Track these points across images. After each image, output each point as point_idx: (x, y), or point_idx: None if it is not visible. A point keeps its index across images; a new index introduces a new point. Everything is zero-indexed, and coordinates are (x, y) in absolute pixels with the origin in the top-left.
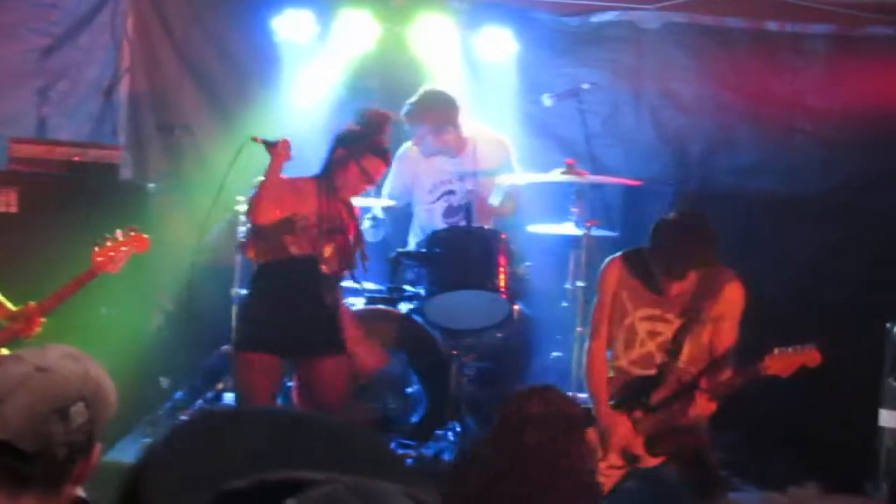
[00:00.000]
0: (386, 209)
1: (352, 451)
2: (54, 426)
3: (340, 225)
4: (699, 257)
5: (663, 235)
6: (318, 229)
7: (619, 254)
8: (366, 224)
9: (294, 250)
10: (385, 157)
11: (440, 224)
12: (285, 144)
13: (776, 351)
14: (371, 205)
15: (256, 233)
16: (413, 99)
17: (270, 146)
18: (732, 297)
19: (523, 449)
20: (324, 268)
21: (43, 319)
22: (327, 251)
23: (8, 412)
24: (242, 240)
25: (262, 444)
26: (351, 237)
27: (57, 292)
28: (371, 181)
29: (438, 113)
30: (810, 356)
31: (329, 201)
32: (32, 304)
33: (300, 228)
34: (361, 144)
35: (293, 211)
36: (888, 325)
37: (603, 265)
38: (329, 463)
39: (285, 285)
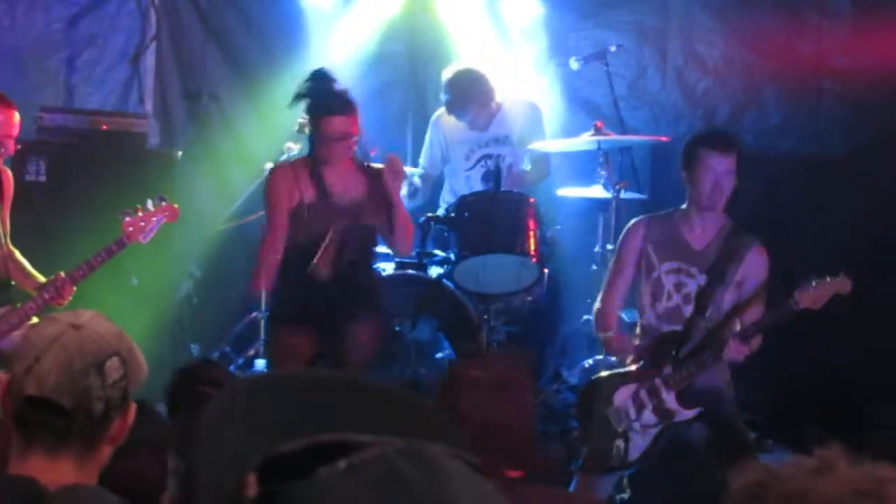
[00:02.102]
0: (423, 176)
1: (396, 413)
2: (92, 380)
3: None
4: (734, 138)
5: (697, 134)
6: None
7: (642, 217)
8: (402, 192)
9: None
10: (336, 110)
11: (479, 189)
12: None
13: (805, 284)
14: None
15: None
16: (448, 91)
17: None
18: (755, 263)
19: (457, 413)
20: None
21: (73, 289)
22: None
23: (45, 369)
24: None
25: (305, 406)
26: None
27: (87, 262)
28: (336, 141)
29: (478, 94)
30: (841, 284)
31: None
32: (62, 273)
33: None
34: (314, 109)
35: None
36: None
37: (626, 227)
38: (375, 424)
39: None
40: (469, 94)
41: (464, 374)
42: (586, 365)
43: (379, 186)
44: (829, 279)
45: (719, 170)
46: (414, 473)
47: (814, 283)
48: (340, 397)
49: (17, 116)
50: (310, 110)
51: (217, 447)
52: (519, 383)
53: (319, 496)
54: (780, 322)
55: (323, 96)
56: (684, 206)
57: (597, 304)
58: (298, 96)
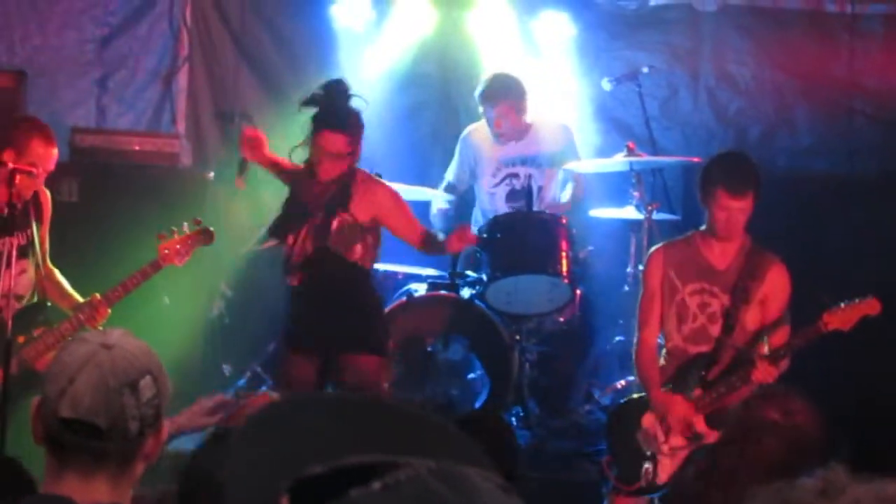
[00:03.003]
0: (449, 197)
1: (425, 435)
2: (126, 399)
3: (332, 207)
4: (753, 174)
5: (715, 164)
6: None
7: (658, 245)
8: (435, 221)
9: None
10: (338, 126)
11: (503, 208)
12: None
13: (834, 306)
14: (430, 199)
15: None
16: (488, 81)
17: None
18: (777, 280)
19: (751, 454)
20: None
21: (108, 310)
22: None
23: (79, 390)
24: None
25: (335, 429)
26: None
27: (123, 283)
28: (332, 156)
29: (513, 92)
30: (870, 305)
31: (312, 186)
32: (98, 295)
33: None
34: (317, 120)
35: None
36: None
37: (646, 258)
38: (404, 447)
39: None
40: (505, 88)
41: (765, 415)
42: (618, 385)
43: (374, 204)
44: (857, 301)
45: (733, 207)
46: (448, 494)
47: (843, 305)
48: (370, 420)
49: (55, 152)
50: (313, 119)
51: (249, 468)
52: (816, 438)
53: None
54: (809, 343)
55: (329, 109)
56: (703, 227)
57: (635, 340)
58: (309, 102)
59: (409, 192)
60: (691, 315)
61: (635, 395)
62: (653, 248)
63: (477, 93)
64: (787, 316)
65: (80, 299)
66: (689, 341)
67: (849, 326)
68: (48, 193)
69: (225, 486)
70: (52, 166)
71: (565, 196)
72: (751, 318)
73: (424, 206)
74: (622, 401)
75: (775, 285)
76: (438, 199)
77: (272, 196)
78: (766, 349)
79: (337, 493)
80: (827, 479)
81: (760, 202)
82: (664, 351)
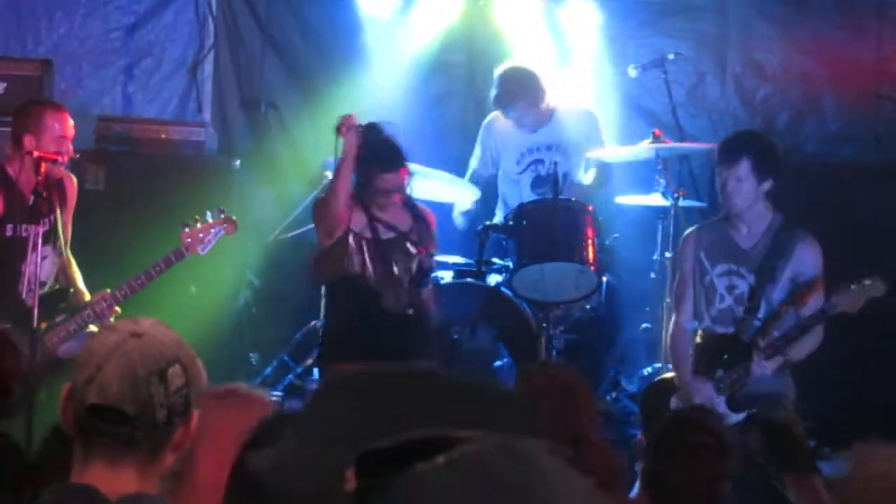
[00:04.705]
0: (474, 197)
1: (493, 408)
2: (154, 388)
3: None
4: (746, 142)
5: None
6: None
7: (693, 227)
8: (458, 220)
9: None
10: (390, 166)
11: (528, 195)
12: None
13: (840, 289)
14: (455, 200)
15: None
16: (498, 84)
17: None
18: (806, 254)
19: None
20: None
21: (116, 309)
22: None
23: (107, 377)
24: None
25: (401, 402)
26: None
27: (146, 271)
28: (389, 194)
29: (528, 90)
30: (875, 286)
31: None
32: (108, 291)
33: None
34: (368, 167)
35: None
36: None
37: (681, 240)
38: (472, 420)
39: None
40: (518, 89)
41: (532, 381)
42: (645, 373)
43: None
44: (863, 282)
45: (724, 176)
46: (513, 470)
47: (852, 287)
48: (436, 393)
49: (70, 120)
50: (365, 162)
51: (315, 441)
52: (584, 390)
53: (418, 491)
54: (815, 326)
55: (380, 150)
56: None
57: (671, 322)
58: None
59: (436, 180)
60: (718, 296)
61: (666, 375)
62: (687, 231)
63: (492, 96)
64: (819, 285)
65: (88, 297)
66: (718, 322)
67: (856, 309)
68: (74, 179)
69: (289, 459)
70: (70, 134)
71: (587, 178)
72: (778, 297)
73: (449, 207)
74: (655, 379)
75: (804, 260)
76: (463, 201)
77: (297, 184)
78: (761, 343)
79: (403, 465)
80: (863, 450)
81: (787, 188)
82: (697, 334)
